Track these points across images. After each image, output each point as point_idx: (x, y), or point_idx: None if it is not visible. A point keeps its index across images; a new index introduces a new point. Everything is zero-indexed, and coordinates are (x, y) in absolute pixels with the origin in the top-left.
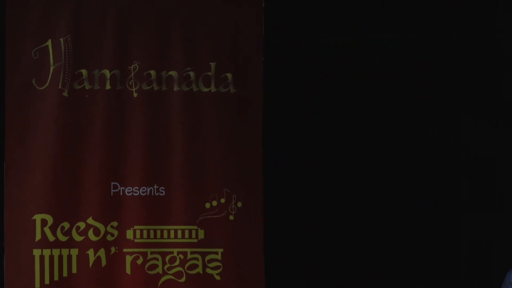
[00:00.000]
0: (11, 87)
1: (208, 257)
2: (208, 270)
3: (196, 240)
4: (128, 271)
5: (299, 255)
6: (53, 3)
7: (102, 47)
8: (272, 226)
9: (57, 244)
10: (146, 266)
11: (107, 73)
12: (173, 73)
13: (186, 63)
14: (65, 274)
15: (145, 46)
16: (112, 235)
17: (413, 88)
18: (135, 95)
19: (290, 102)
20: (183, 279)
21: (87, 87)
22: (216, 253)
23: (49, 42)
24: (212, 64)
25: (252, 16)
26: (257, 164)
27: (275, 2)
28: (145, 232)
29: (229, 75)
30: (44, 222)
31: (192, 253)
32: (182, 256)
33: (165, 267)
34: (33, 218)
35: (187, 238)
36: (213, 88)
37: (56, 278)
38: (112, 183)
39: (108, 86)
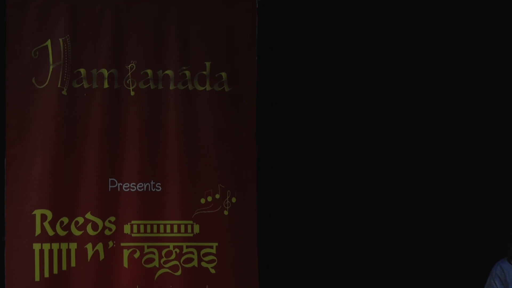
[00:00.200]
0: (11, 85)
1: (203, 251)
2: (203, 264)
3: (191, 235)
4: (125, 264)
5: (292, 248)
6: (52, 4)
7: (100, 47)
8: (266, 220)
9: (56, 238)
10: (143, 259)
11: (105, 72)
12: (169, 72)
13: (182, 62)
14: (64, 267)
15: (142, 46)
16: (110, 229)
17: (413, 88)
18: (132, 93)
19: (284, 100)
20: (179, 272)
21: (86, 85)
22: (211, 247)
23: (48, 42)
24: (207, 64)
25: (246, 16)
26: (251, 160)
27: (270, 2)
28: (142, 226)
29: (223, 74)
30: (43, 217)
31: (187, 247)
32: (178, 250)
33: (162, 260)
34: (33, 213)
35: (183, 233)
36: (208, 87)
37: (55, 271)
38: (110, 179)
39: (106, 85)
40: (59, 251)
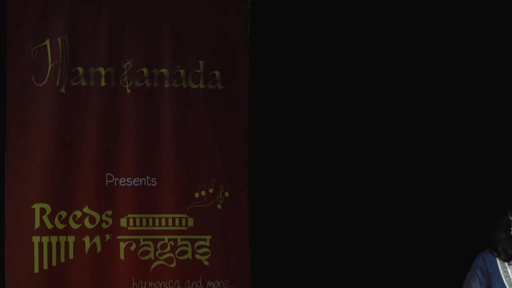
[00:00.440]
0: (11, 83)
1: (197, 244)
2: (197, 256)
3: (186, 228)
4: (122, 257)
5: (284, 241)
6: (50, 5)
7: (97, 46)
8: (258, 214)
9: (55, 231)
10: (139, 252)
11: (102, 70)
12: (164, 70)
13: (177, 61)
14: (62, 259)
15: (137, 46)
16: (107, 223)
17: (412, 89)
18: (128, 91)
19: (284, 100)
20: (173, 264)
21: (83, 83)
22: (205, 239)
23: (47, 42)
24: (201, 62)
25: (238, 18)
26: (243, 156)
27: (270, 2)
28: (138, 220)
29: (217, 72)
30: (42, 211)
31: (182, 240)
32: (172, 243)
33: (157, 253)
34: (33, 207)
35: (177, 226)
36: (202, 85)
37: (54, 263)
38: (106, 174)
39: (103, 83)
40: (58, 243)
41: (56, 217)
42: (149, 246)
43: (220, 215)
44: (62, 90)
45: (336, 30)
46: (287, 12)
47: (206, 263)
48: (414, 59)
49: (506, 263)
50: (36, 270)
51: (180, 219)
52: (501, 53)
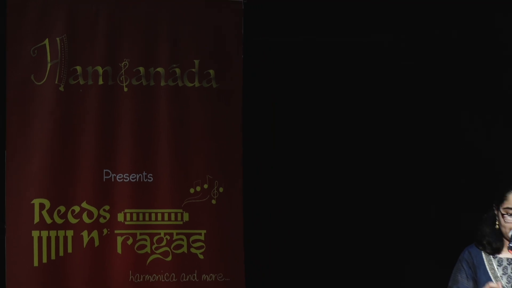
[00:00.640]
0: (11, 82)
1: (192, 238)
2: (193, 250)
3: (181, 222)
4: (119, 250)
5: (277, 234)
6: (49, 5)
7: (95, 45)
8: (251, 209)
9: (54, 226)
10: (136, 246)
11: (99, 69)
12: (160, 69)
13: (172, 60)
14: (61, 253)
15: (134, 45)
16: (105, 218)
17: (411, 89)
18: (125, 89)
19: (283, 100)
20: (169, 258)
21: (82, 82)
22: (200, 234)
23: (46, 41)
24: (196, 61)
25: (232, 18)
26: (237, 153)
27: (269, 3)
28: (134, 215)
29: (211, 71)
30: (42, 206)
31: (177, 234)
32: (168, 237)
33: (153, 247)
34: (32, 202)
35: (173, 221)
36: (197, 83)
37: (53, 257)
38: (104, 170)
39: (100, 82)
40: (57, 238)
41: (55, 212)
42: (146, 240)
43: (214, 210)
44: (61, 89)
45: (335, 30)
46: (287, 12)
47: (201, 256)
48: (414, 59)
49: (491, 256)
50: (36, 263)
51: (176, 214)
52: (501, 53)
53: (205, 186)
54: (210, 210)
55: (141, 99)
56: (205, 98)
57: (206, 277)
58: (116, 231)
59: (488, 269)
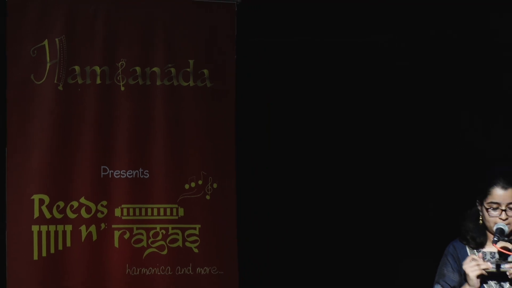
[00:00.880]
0: (11, 81)
1: (187, 232)
2: (187, 244)
3: (176, 217)
4: (116, 244)
5: (270, 230)
6: (49, 6)
7: (93, 46)
8: (246, 206)
9: (53, 221)
10: (132, 240)
11: (97, 69)
12: (156, 69)
13: (168, 60)
14: (60, 247)
15: (131, 46)
16: (102, 213)
17: (407, 89)
18: (122, 89)
19: (279, 100)
20: (165, 252)
21: (80, 81)
22: (195, 228)
23: (45, 42)
24: (191, 61)
25: (225, 19)
26: (230, 150)
27: (267, 3)
28: (131, 210)
29: (205, 71)
30: (41, 202)
31: (173, 228)
32: (164, 232)
33: (149, 241)
34: (32, 198)
35: (168, 216)
36: (191, 83)
37: (52, 251)
38: (102, 166)
39: (98, 81)
40: (56, 232)
41: (54, 207)
42: (142, 234)
43: (208, 205)
44: (60, 88)
45: (332, 30)
46: (281, 13)
47: (196, 250)
48: (411, 59)
49: (475, 250)
50: (35, 257)
51: (171, 209)
52: (499, 54)
53: (200, 182)
54: (204, 206)
55: (138, 98)
56: (200, 97)
57: (201, 270)
58: (113, 226)
59: None
